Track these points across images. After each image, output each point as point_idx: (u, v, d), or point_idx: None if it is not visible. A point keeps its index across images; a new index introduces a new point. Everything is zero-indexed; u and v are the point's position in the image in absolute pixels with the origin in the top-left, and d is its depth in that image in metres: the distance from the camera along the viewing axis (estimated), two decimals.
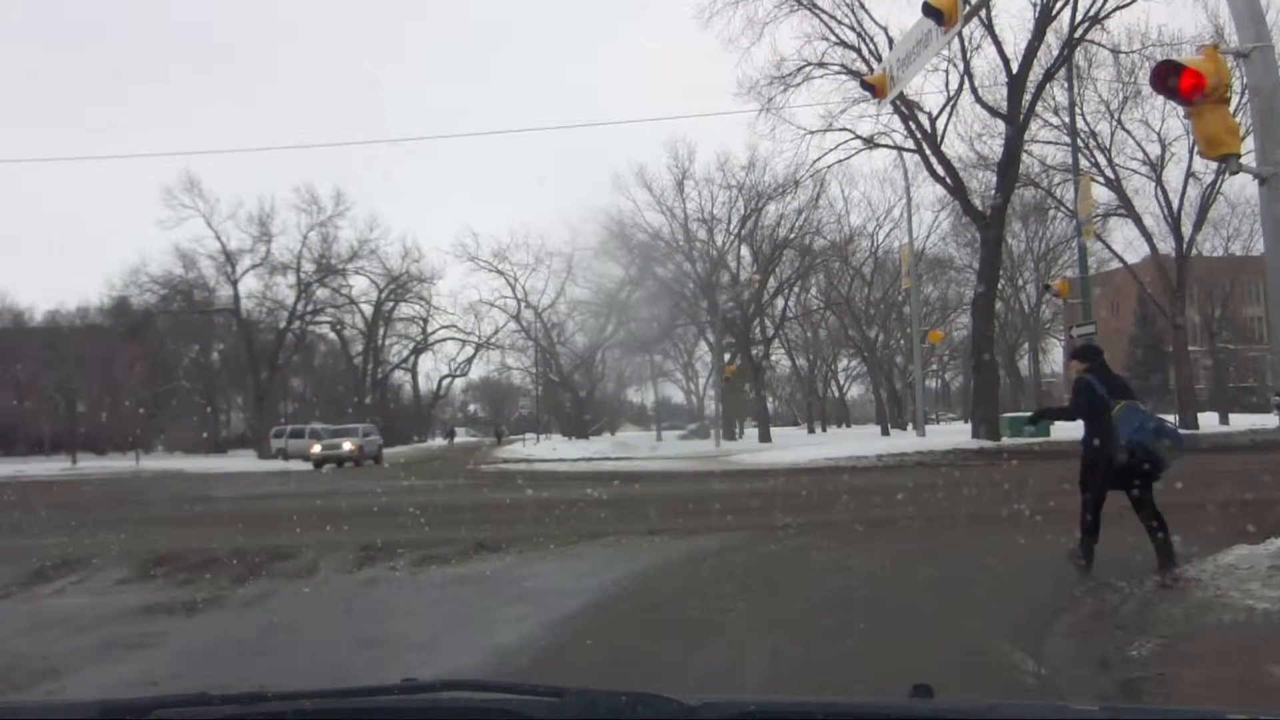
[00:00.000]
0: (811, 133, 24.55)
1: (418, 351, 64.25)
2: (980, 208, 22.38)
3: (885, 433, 42.65)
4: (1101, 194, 27.42)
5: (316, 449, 32.43)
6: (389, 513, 12.13)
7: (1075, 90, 23.20)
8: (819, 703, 1.56)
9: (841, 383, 64.79)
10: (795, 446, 26.55)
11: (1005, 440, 19.79)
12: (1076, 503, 9.63)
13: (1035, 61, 20.68)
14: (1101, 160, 27.48)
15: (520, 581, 6.92)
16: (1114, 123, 27.20)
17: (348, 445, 32.33)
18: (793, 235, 42.03)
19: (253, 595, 6.67)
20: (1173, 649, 4.63)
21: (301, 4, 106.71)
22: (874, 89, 12.89)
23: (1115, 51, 23.98)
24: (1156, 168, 27.47)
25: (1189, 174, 26.75)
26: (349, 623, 5.94)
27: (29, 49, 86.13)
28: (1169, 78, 5.97)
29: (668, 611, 5.86)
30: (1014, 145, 20.78)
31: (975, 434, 20.07)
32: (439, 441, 73.47)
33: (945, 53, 21.31)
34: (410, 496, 15.13)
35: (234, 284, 45.35)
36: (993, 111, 21.90)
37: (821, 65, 22.86)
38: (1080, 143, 26.11)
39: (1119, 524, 8.18)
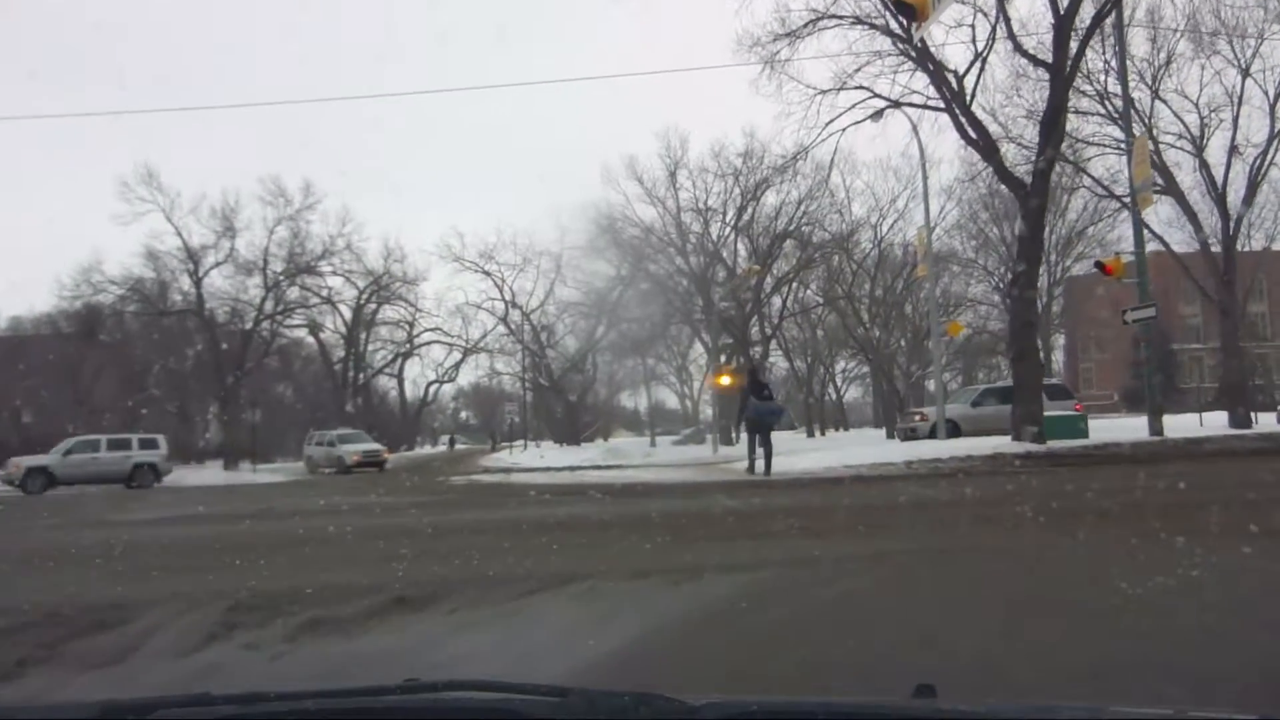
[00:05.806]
0: (823, 92, 21.71)
1: (403, 356, 62.06)
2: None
3: (889, 435, 40.44)
4: None
5: None
6: (303, 543, 9.55)
7: (1123, 37, 20.64)
8: (820, 702, 1.56)
9: (839, 385, 62.87)
10: (800, 451, 23.97)
11: (1053, 443, 17.09)
12: (1211, 517, 6.92)
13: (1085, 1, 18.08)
14: (1139, 131, 25.06)
15: (441, 668, 4.48)
16: (1152, 93, 24.82)
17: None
18: (792, 227, 39.85)
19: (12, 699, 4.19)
20: None
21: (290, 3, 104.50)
22: (914, 10, 10.52)
23: None
24: (1198, 142, 25.00)
25: (1233, 147, 24.27)
26: None
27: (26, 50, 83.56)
28: None
29: None
30: (1059, 97, 17.85)
31: (1017, 436, 17.39)
32: (427, 449, 71.43)
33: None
34: (343, 518, 12.51)
35: (197, 283, 42.91)
36: (1035, 60, 19.16)
37: (833, 17, 20.33)
38: (1115, 113, 23.77)
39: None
